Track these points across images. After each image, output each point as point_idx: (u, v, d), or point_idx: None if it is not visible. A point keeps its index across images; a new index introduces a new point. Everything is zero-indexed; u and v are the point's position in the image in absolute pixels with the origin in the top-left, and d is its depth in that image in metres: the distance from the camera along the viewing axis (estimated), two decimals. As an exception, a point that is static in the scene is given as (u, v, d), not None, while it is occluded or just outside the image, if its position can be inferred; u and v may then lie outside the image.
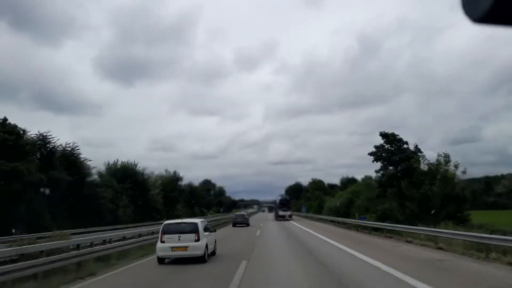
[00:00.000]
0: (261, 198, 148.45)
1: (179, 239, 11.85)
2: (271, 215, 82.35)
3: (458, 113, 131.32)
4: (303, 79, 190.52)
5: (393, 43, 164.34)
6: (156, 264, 12.07)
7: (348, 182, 61.13)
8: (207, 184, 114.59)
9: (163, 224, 12.89)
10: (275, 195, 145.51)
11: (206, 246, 12.23)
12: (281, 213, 53.95)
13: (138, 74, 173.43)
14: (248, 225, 36.16)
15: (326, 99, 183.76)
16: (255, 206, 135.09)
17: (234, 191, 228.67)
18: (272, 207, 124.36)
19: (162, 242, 11.96)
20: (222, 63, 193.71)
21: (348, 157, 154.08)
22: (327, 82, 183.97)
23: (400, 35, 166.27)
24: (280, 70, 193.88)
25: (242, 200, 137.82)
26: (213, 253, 13.44)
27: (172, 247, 11.79)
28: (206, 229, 13.12)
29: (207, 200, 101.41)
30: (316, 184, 78.53)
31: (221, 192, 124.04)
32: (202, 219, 15.12)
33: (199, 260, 11.76)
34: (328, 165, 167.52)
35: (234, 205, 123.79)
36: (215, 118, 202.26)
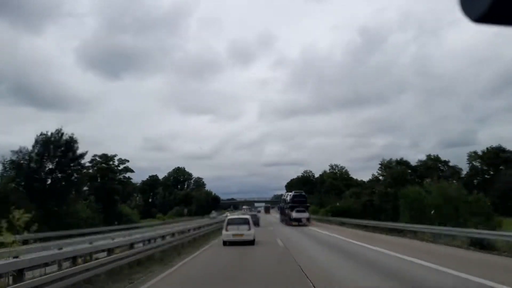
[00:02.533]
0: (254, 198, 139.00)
1: (238, 229, 18.25)
2: (271, 218, 65.88)
3: (460, 114, 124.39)
4: (301, 76, 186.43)
5: (396, 38, 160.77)
6: (221, 244, 18.18)
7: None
8: (179, 173, 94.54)
9: (227, 218, 20.53)
10: (270, 196, 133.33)
11: (254, 234, 18.44)
12: (296, 215, 38.44)
13: (126, 66, 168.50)
14: (258, 225, 33.95)
15: (324, 97, 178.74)
16: (245, 207, 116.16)
17: (226, 192, 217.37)
18: (268, 207, 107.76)
19: (227, 230, 18.28)
20: (216, 57, 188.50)
21: (343, 159, 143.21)
22: (325, 80, 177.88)
23: (403, 31, 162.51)
24: (277, 65, 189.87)
25: (232, 199, 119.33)
26: (254, 239, 18.38)
27: (233, 234, 17.97)
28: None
29: (174, 197, 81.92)
30: (338, 174, 61.82)
31: (198, 185, 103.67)
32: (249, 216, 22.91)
33: (250, 243, 17.70)
34: (322, 167, 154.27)
35: (216, 203, 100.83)
36: (207, 116, 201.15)
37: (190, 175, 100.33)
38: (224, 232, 18.49)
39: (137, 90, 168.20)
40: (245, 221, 18.91)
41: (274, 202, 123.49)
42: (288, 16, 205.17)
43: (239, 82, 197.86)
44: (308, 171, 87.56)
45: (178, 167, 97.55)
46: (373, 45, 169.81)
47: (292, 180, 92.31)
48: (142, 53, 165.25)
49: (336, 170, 68.51)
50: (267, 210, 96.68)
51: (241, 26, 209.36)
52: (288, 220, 40.91)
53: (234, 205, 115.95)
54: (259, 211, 79.85)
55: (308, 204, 42.16)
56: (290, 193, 45.52)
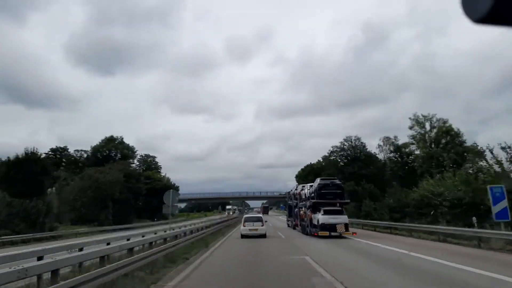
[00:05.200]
0: (252, 203, 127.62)
1: (253, 225, 23.47)
2: (276, 220, 50.96)
3: (463, 115, 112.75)
4: (299, 73, 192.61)
5: (400, 36, 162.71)
6: (239, 237, 23.23)
7: None
8: (112, 147, 63.18)
9: (244, 217, 26.15)
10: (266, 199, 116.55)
11: (266, 229, 24.06)
12: (326, 219, 23.30)
13: (117, 62, 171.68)
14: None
15: (322, 97, 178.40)
16: (228, 207, 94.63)
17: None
18: (267, 206, 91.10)
19: (244, 226, 23.49)
20: (212, 54, 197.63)
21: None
22: (324, 77, 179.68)
23: (407, 27, 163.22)
24: (275, 63, 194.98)
25: (220, 197, 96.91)
26: (266, 233, 23.83)
27: (249, 229, 23.19)
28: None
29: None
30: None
31: (148, 165, 75.70)
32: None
33: (262, 236, 22.98)
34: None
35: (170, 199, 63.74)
36: (202, 116, 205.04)
37: (132, 150, 69.07)
38: (242, 227, 23.78)
39: (129, 88, 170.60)
40: (258, 219, 24.55)
41: (272, 199, 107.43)
42: (288, 11, 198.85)
43: (236, 81, 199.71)
44: (349, 138, 53.97)
45: (112, 136, 65.22)
46: (375, 41, 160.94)
47: (310, 166, 65.19)
48: (134, 48, 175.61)
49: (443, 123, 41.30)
50: (265, 210, 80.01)
51: (238, 21, 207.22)
52: (307, 227, 25.91)
53: (222, 204, 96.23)
54: (258, 212, 62.36)
55: (347, 200, 25.79)
56: (309, 184, 29.24)
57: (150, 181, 62.33)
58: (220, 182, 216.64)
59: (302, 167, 68.28)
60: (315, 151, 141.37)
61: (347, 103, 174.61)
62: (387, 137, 51.78)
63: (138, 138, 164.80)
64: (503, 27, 1.01)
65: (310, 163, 66.14)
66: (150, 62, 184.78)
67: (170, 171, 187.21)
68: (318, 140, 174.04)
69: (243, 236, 22.92)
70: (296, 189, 36.26)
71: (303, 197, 29.95)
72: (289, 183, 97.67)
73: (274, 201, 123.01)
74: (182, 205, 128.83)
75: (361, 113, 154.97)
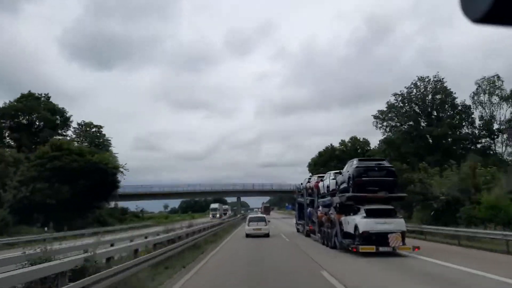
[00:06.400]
0: (251, 203, 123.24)
1: (257, 224, 25.11)
2: (281, 223, 42.50)
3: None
4: (301, 67, 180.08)
5: (404, 29, 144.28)
6: (244, 236, 24.75)
7: None
8: (29, 107, 46.28)
9: (248, 217, 28.50)
10: (266, 198, 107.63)
11: (269, 229, 25.65)
12: (371, 224, 14.21)
13: (114, 56, 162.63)
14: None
15: (324, 92, 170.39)
16: (214, 206, 69.30)
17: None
18: (268, 206, 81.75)
19: (248, 226, 25.20)
20: (212, 47, 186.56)
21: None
22: (326, 72, 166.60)
23: (413, 19, 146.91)
24: (276, 58, 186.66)
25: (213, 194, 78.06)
26: (269, 233, 25.26)
27: (253, 228, 24.75)
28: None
29: None
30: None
31: (91, 139, 56.06)
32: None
33: (266, 235, 24.26)
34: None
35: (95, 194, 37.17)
36: (202, 112, 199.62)
37: (64, 115, 50.35)
38: (246, 227, 25.47)
39: (126, 83, 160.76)
40: (262, 219, 26.13)
41: (275, 194, 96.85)
42: (290, 2, 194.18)
43: (236, 75, 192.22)
44: (423, 80, 39.63)
45: (30, 92, 48.17)
46: (379, 35, 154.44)
47: (330, 150, 49.90)
48: (131, 41, 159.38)
49: None
50: (266, 210, 70.80)
51: (238, 13, 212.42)
52: (335, 237, 17.28)
53: (217, 199, 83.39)
54: (261, 212, 51.33)
55: (403, 194, 16.67)
56: (333, 172, 20.65)
57: (58, 154, 35.13)
58: (220, 181, 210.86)
59: (305, 164, 57.65)
60: (317, 149, 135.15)
61: (350, 98, 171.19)
62: (491, 78, 33.34)
63: (136, 135, 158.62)
64: (502, 27, 1.00)
65: (331, 144, 53.21)
66: (148, 57, 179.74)
67: (169, 170, 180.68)
68: (320, 138, 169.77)
69: (248, 236, 24.29)
70: (309, 181, 27.30)
71: (323, 191, 21.33)
72: (290, 182, 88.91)
73: (277, 199, 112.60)
74: (177, 203, 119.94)
75: (365, 109, 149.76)
